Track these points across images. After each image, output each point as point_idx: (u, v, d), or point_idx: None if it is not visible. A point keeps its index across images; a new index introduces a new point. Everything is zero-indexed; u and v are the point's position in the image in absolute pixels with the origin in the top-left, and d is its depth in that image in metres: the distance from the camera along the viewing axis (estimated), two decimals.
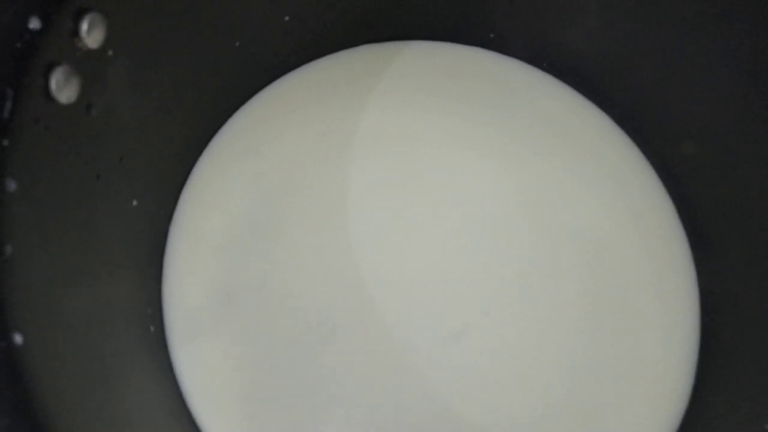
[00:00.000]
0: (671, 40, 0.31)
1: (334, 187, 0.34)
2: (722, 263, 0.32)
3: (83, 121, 0.24)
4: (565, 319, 0.32)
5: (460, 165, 0.35)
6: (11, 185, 0.21)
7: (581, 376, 0.32)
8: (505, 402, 0.31)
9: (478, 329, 0.32)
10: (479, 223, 0.34)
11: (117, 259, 0.29)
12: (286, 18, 0.34)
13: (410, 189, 0.34)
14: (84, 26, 0.23)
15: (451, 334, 0.32)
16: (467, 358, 0.32)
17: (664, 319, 0.32)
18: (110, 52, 0.25)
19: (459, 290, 0.33)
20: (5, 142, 0.20)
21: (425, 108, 0.36)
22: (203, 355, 0.31)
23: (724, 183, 0.31)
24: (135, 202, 0.29)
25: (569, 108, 0.36)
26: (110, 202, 0.28)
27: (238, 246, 0.33)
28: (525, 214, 0.34)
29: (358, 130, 0.35)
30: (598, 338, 0.32)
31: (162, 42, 0.28)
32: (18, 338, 0.20)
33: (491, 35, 0.37)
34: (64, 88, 0.22)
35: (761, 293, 0.29)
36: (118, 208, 0.28)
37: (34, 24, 0.21)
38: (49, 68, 0.22)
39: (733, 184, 0.30)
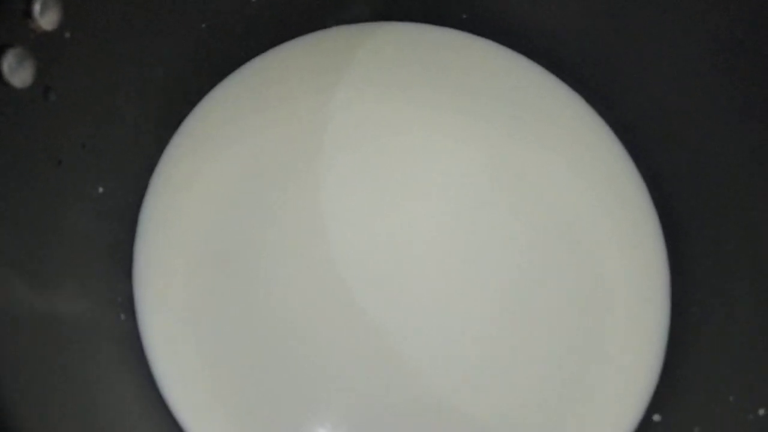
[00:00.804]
0: (645, 21, 0.31)
1: (307, 174, 0.34)
2: (691, 242, 0.32)
3: (40, 105, 0.24)
4: (541, 300, 0.32)
5: (432, 148, 0.35)
6: None
7: (555, 355, 0.32)
8: (485, 386, 0.31)
9: (458, 314, 0.32)
10: (455, 207, 0.34)
11: (83, 248, 0.28)
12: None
13: (385, 174, 0.34)
14: (36, 7, 0.22)
15: (432, 324, 0.32)
16: (449, 345, 0.32)
17: (635, 298, 0.33)
18: (67, 34, 0.24)
19: (439, 278, 0.32)
20: None
21: (398, 91, 0.36)
22: (178, 345, 0.31)
23: (694, 165, 0.31)
24: (101, 189, 0.29)
25: (542, 89, 0.36)
26: (74, 190, 0.27)
27: (211, 233, 0.32)
28: (500, 197, 0.34)
29: (330, 114, 0.35)
30: (572, 318, 0.32)
31: (124, 24, 0.27)
32: None
33: (464, 16, 0.37)
34: (17, 71, 0.22)
35: (727, 272, 0.29)
36: (83, 195, 0.28)
37: None
38: (1, 51, 0.21)
39: (704, 166, 0.31)
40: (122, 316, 0.30)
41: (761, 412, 0.25)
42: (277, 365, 0.31)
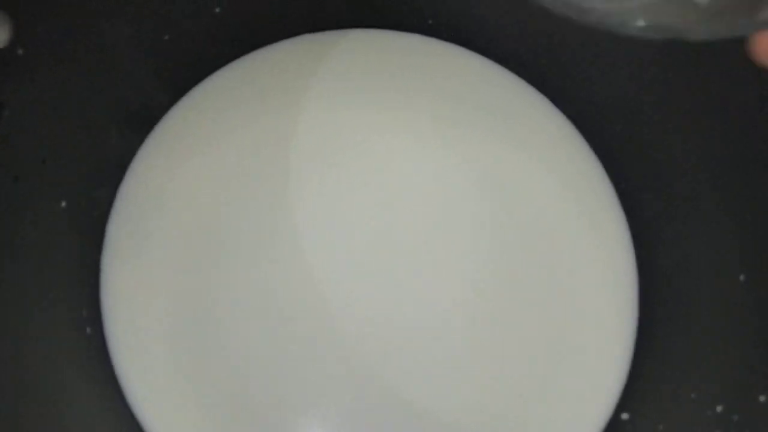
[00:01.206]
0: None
1: (278, 184, 0.34)
2: (656, 242, 0.33)
3: None
4: (510, 301, 0.33)
5: (401, 152, 0.35)
6: None
7: (524, 355, 0.32)
8: (454, 386, 0.32)
9: (430, 315, 0.32)
10: (425, 210, 0.34)
11: (46, 263, 0.28)
12: (217, 10, 0.33)
13: (356, 180, 0.34)
14: None
15: (404, 325, 0.32)
16: (420, 342, 0.32)
17: (603, 300, 0.33)
18: (20, 51, 0.24)
19: (411, 280, 0.33)
20: None
21: (365, 97, 0.36)
22: (147, 360, 0.31)
23: (653, 161, 0.31)
24: (63, 204, 0.29)
25: (508, 91, 0.37)
26: (34, 205, 0.27)
27: (181, 243, 0.32)
28: (470, 198, 0.34)
29: (298, 123, 0.35)
30: (541, 319, 0.32)
31: (80, 38, 0.28)
32: None
33: (429, 21, 0.37)
34: None
35: (689, 273, 0.30)
36: (44, 210, 0.28)
37: None
38: None
39: (660, 163, 0.31)
40: (88, 330, 0.30)
41: (719, 408, 0.25)
42: (249, 373, 0.31)
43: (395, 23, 0.37)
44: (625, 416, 0.31)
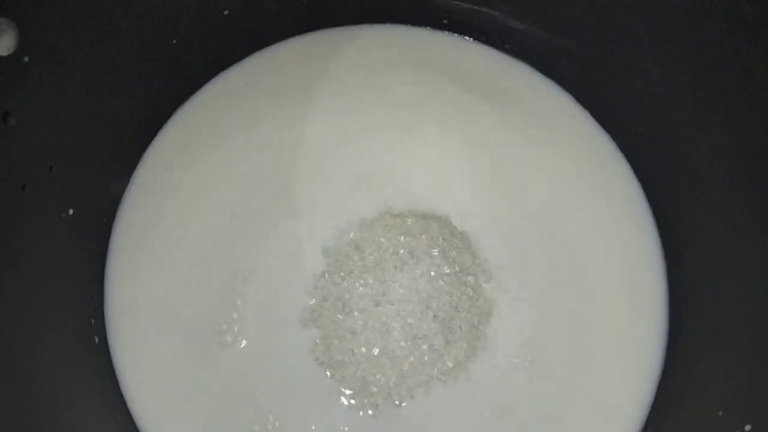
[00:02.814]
0: (620, 18, 0.30)
1: (289, 180, 0.33)
2: (684, 247, 0.31)
3: None
4: (529, 297, 0.32)
5: (419, 144, 0.34)
6: None
7: (549, 368, 0.31)
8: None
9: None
10: (439, 204, 0.33)
11: (53, 272, 0.28)
12: (226, 12, 0.33)
13: (368, 175, 0.33)
14: None
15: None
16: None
17: (632, 306, 0.32)
18: (26, 59, 0.24)
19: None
20: None
21: (382, 91, 0.35)
22: (150, 369, 0.30)
23: (677, 158, 0.30)
24: (71, 211, 0.29)
25: (527, 85, 0.35)
26: (41, 213, 0.27)
27: (186, 245, 0.32)
28: (486, 187, 0.33)
29: (312, 119, 0.34)
30: (566, 328, 0.31)
31: (86, 46, 0.27)
32: None
33: (445, 21, 0.36)
34: None
35: (721, 280, 0.28)
36: (51, 218, 0.28)
37: None
38: None
39: (686, 161, 0.30)
40: (96, 339, 0.30)
41: (748, 427, 0.24)
42: (252, 377, 0.30)
43: (410, 18, 0.37)
44: None
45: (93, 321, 0.30)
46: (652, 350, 0.31)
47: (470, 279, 0.32)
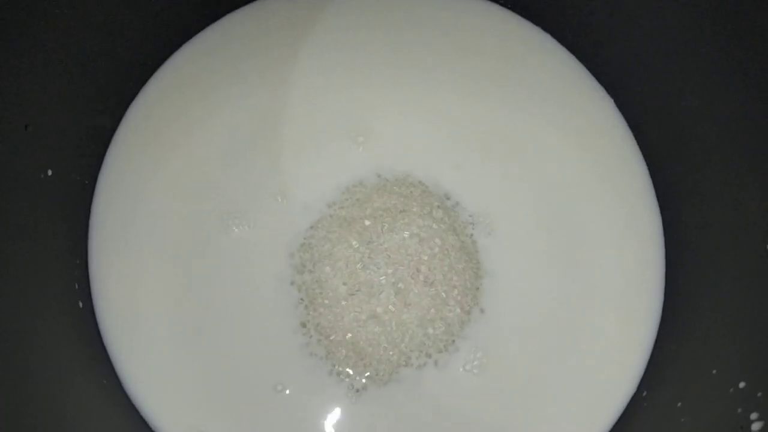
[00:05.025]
0: None
1: (272, 144, 0.32)
2: (681, 204, 0.31)
3: None
4: (530, 260, 0.31)
5: (413, 102, 0.33)
6: None
7: (545, 322, 0.31)
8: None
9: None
10: (439, 166, 0.32)
11: (33, 234, 0.27)
12: None
13: (361, 126, 0.33)
14: None
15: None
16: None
17: (628, 263, 0.31)
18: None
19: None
20: None
21: (377, 48, 0.34)
22: (138, 333, 0.30)
23: (678, 127, 0.29)
24: (50, 172, 0.28)
25: (533, 46, 0.34)
26: (18, 173, 0.26)
27: (169, 212, 0.31)
28: (491, 152, 0.33)
29: (303, 73, 0.33)
30: (563, 288, 0.31)
31: (64, 2, 0.26)
32: None
33: None
34: None
35: (716, 236, 0.28)
36: (29, 178, 0.27)
37: None
38: None
39: (685, 128, 0.29)
40: (80, 304, 0.29)
41: (742, 384, 0.23)
42: (242, 350, 0.30)
43: None
44: (644, 393, 0.29)
45: (77, 285, 0.29)
46: (648, 309, 0.31)
47: (464, 240, 0.31)
